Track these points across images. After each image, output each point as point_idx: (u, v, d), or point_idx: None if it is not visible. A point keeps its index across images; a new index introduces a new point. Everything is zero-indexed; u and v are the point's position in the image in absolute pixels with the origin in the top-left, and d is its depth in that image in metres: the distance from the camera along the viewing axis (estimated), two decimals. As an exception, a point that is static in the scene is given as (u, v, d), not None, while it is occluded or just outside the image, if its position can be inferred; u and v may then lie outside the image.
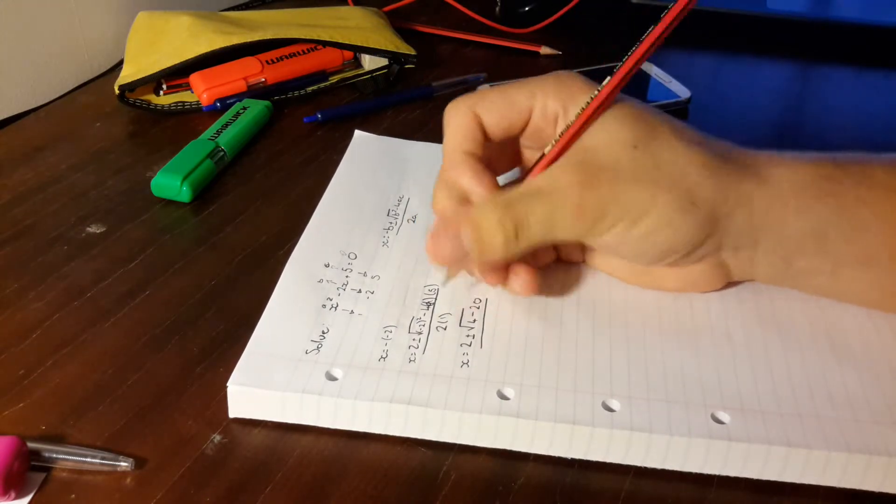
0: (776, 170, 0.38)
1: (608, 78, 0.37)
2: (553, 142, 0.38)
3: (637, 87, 0.65)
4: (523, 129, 0.40)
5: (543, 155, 0.39)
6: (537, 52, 0.72)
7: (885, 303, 0.40)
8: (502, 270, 0.40)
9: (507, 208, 0.37)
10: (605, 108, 0.37)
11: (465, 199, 0.39)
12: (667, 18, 0.36)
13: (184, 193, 0.50)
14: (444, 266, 0.40)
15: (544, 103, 0.39)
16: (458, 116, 0.40)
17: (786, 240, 0.38)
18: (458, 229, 0.38)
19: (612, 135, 0.37)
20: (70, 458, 0.33)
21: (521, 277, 0.40)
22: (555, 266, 0.43)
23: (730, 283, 0.42)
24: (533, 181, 0.38)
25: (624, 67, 0.37)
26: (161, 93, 0.62)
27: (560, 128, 0.39)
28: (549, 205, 0.37)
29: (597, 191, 0.36)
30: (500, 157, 0.42)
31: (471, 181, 0.39)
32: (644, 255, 0.39)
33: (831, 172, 0.38)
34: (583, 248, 0.43)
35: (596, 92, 0.37)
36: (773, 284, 0.41)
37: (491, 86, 0.63)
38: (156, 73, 0.59)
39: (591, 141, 0.37)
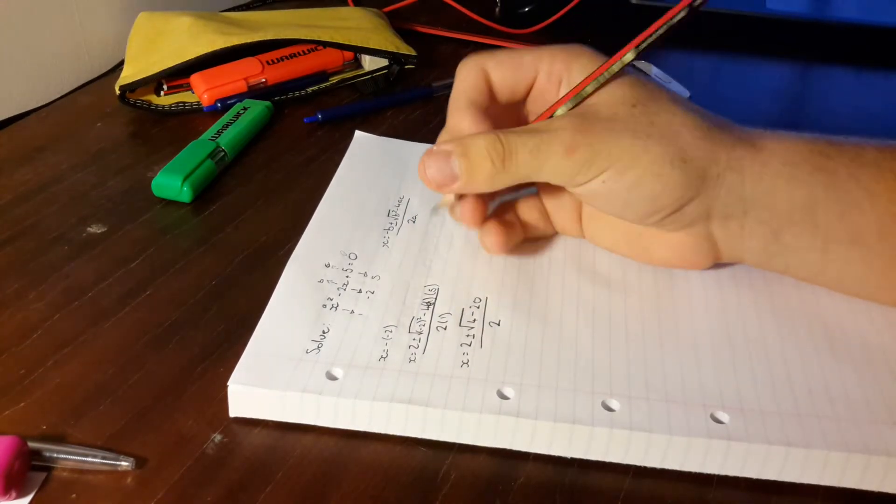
0: (770, 142, 0.39)
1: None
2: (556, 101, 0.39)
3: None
4: (528, 93, 0.41)
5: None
6: (537, 53, 0.72)
7: (878, 289, 0.40)
8: (480, 215, 0.41)
9: (498, 137, 0.39)
10: (610, 78, 0.38)
11: None
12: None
13: (184, 193, 0.50)
14: (428, 186, 0.41)
15: (550, 66, 0.40)
16: (467, 70, 0.41)
17: (776, 211, 0.38)
18: (450, 155, 0.39)
19: (613, 95, 0.38)
20: (71, 457, 0.34)
21: (493, 235, 0.41)
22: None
23: (726, 279, 0.42)
24: (530, 125, 0.39)
25: (637, 39, 0.38)
26: (162, 93, 0.62)
27: (563, 90, 0.40)
28: (541, 140, 0.38)
29: (589, 135, 0.37)
30: (507, 124, 0.42)
31: (471, 126, 0.40)
32: (630, 208, 0.39)
33: (824, 149, 0.39)
34: (578, 218, 0.44)
35: (604, 59, 0.39)
36: (762, 266, 0.42)
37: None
38: (156, 73, 0.60)
39: (591, 100, 0.39)
